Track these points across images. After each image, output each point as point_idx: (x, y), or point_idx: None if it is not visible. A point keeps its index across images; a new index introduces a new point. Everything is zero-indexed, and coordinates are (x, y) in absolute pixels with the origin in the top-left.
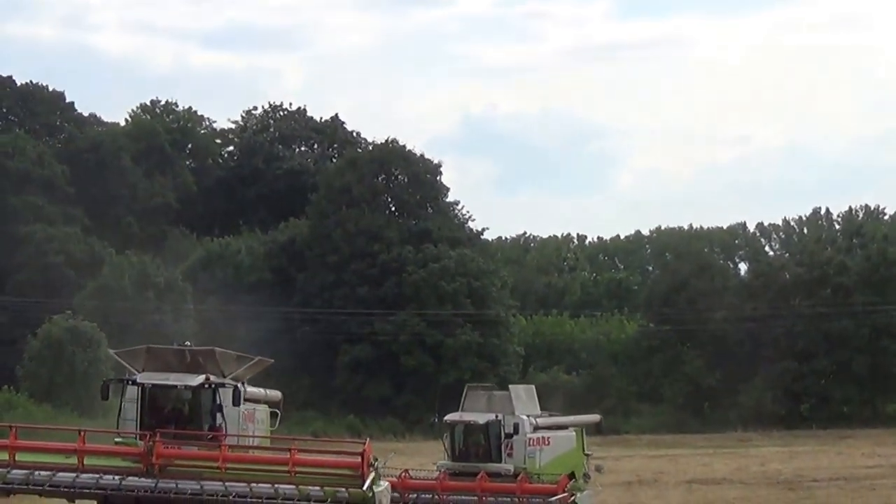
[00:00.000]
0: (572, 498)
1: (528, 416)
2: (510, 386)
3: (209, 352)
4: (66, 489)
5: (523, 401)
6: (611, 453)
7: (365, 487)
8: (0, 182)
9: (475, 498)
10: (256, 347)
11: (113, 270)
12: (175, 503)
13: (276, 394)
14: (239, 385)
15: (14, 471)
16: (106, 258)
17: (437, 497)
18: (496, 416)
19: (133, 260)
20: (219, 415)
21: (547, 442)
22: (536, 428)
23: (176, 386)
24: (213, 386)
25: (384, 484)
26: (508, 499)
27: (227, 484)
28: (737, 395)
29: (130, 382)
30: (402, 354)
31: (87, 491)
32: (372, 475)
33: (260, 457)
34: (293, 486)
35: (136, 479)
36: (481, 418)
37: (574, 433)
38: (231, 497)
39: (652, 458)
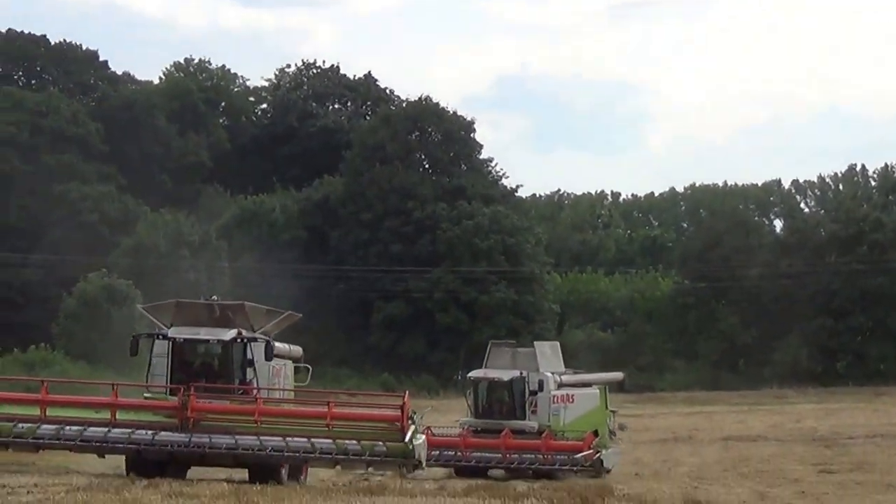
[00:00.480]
0: (597, 455)
1: (552, 373)
2: (535, 342)
3: (239, 306)
4: (97, 444)
5: (548, 357)
6: (646, 410)
7: (406, 440)
8: (34, 141)
9: (499, 455)
10: (291, 305)
11: (147, 228)
12: (209, 457)
13: (298, 349)
14: (271, 340)
15: (44, 426)
16: (140, 216)
17: (459, 454)
18: (521, 373)
19: (167, 218)
20: (249, 369)
21: (571, 399)
22: (561, 385)
23: (207, 340)
24: (244, 340)
25: (422, 437)
26: (533, 456)
27: (261, 438)
28: (772, 352)
29: (160, 337)
30: (436, 312)
31: (120, 446)
32: (412, 428)
33: (296, 410)
34: (330, 440)
35: (170, 433)
36: (506, 375)
37: (598, 391)
38: (266, 451)
39: (687, 415)
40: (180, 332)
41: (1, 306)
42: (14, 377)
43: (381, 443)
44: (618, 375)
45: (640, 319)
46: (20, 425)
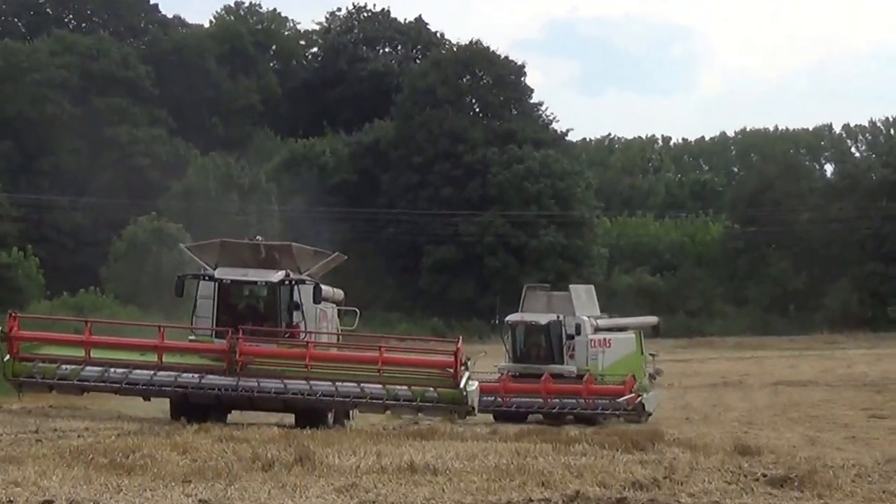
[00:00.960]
0: (639, 399)
1: (588, 316)
2: (570, 286)
3: (285, 247)
4: (142, 387)
5: (583, 301)
6: (695, 355)
7: (461, 386)
8: (85, 84)
9: (539, 400)
10: (340, 249)
11: (197, 172)
12: (256, 402)
13: (339, 292)
14: (319, 282)
15: (88, 368)
16: (190, 160)
17: (499, 399)
18: (558, 317)
19: (217, 161)
20: (296, 312)
21: (608, 343)
22: (597, 329)
23: (255, 282)
24: (292, 283)
25: (475, 384)
26: (573, 400)
27: (311, 383)
28: (822, 297)
29: (206, 278)
30: (486, 256)
31: (166, 389)
32: (466, 375)
33: (347, 355)
34: (380, 386)
35: (217, 377)
36: (543, 319)
37: (633, 335)
38: (316, 396)
39: (737, 360)
40: (227, 274)
41: (51, 250)
42: (61, 317)
43: (432, 389)
44: (652, 319)
45: (690, 264)
46: (64, 367)
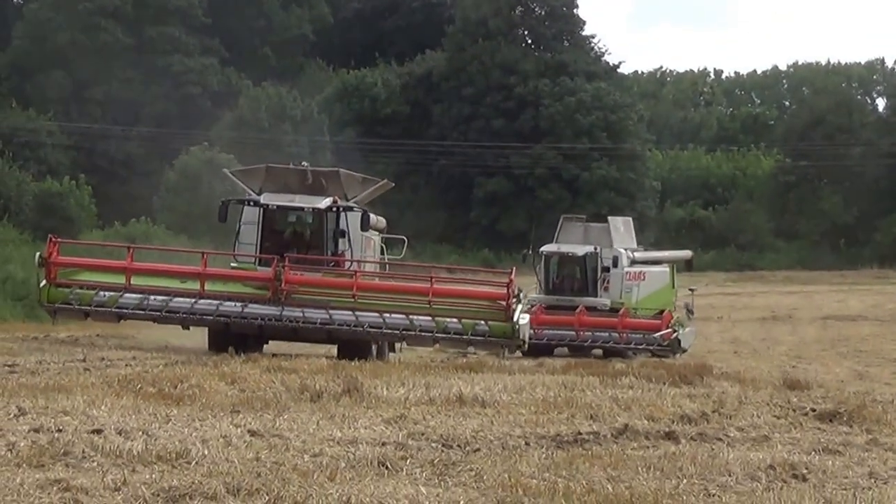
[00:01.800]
0: (675, 334)
1: (625, 249)
2: (609, 217)
3: (333, 173)
4: (183, 315)
5: (621, 233)
6: (745, 289)
7: (514, 319)
8: (137, 13)
9: (571, 333)
10: (392, 180)
11: (249, 102)
12: (300, 332)
13: (382, 220)
14: (367, 210)
15: (127, 295)
16: (242, 90)
17: (531, 331)
18: (594, 248)
19: (269, 91)
20: (342, 240)
21: (643, 277)
22: (633, 262)
23: (302, 208)
24: (339, 209)
25: (527, 317)
26: (606, 334)
27: (358, 313)
28: (873, 231)
29: (251, 203)
30: (537, 188)
31: (207, 318)
32: (519, 308)
33: (396, 286)
34: (429, 318)
35: (260, 306)
36: (579, 250)
37: (667, 269)
38: (363, 327)
39: (786, 294)
40: (273, 199)
41: (103, 179)
42: (105, 243)
43: (483, 322)
44: (686, 253)
45: (742, 198)
46: (102, 294)
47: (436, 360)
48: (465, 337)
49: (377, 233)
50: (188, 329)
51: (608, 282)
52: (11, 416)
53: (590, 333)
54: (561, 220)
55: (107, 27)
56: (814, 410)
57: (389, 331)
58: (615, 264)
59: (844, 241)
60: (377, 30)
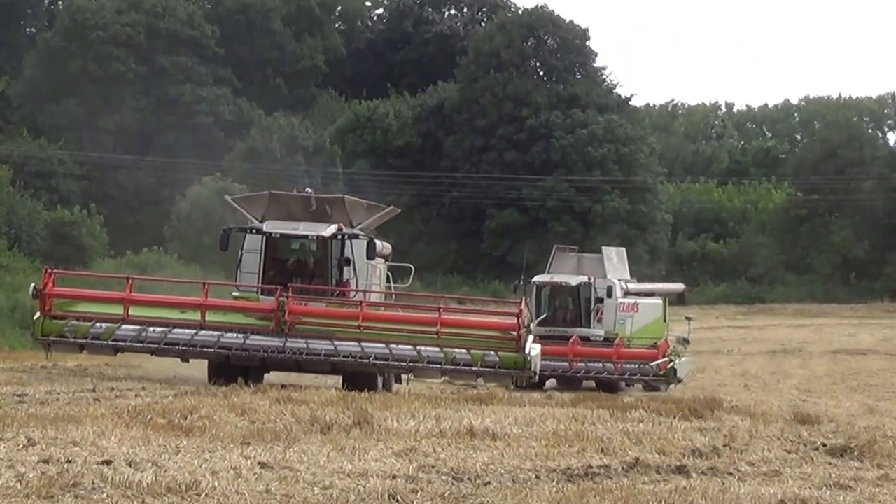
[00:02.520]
0: (671, 364)
1: (619, 279)
2: (603, 248)
3: (338, 199)
4: (183, 347)
5: (615, 264)
6: (755, 322)
7: (526, 351)
8: (150, 43)
9: (564, 364)
10: (404, 211)
11: (262, 132)
12: (304, 364)
13: (388, 247)
14: (373, 237)
15: (124, 326)
16: (255, 120)
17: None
18: (588, 279)
19: (282, 122)
20: (347, 269)
21: (636, 308)
22: (627, 293)
23: (306, 236)
24: (345, 237)
25: (537, 347)
26: (600, 364)
27: (364, 344)
28: (885, 265)
29: (253, 231)
30: (549, 220)
31: (208, 350)
32: (530, 338)
33: (404, 316)
34: (437, 349)
35: (263, 337)
36: (573, 280)
37: (660, 302)
38: (370, 358)
39: (797, 327)
40: (276, 227)
41: (114, 208)
42: (103, 274)
43: (492, 352)
44: (678, 287)
45: (753, 231)
46: (98, 325)
47: (445, 391)
48: (474, 368)
49: (383, 260)
50: (188, 362)
51: (602, 313)
52: (21, 446)
53: (583, 364)
54: (553, 250)
55: (119, 56)
56: (824, 445)
57: (396, 362)
58: (609, 295)
59: (855, 274)
60: (389, 61)
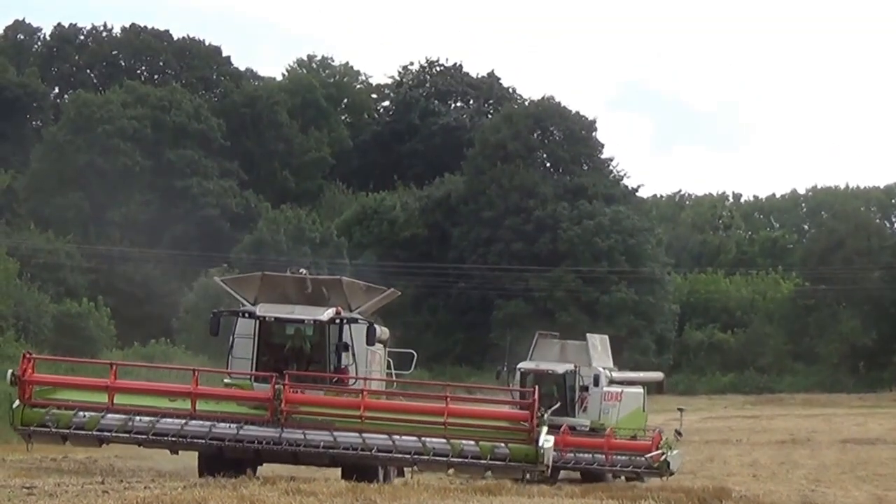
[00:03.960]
0: (663, 456)
1: (604, 367)
2: (587, 335)
3: (335, 281)
4: (172, 438)
5: (599, 352)
6: (764, 412)
7: (540, 443)
8: (157, 135)
9: (554, 453)
10: (412, 303)
11: (268, 224)
12: (301, 456)
13: (386, 331)
14: (373, 322)
15: (109, 415)
16: (261, 212)
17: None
18: (574, 367)
19: (288, 214)
20: (345, 355)
21: (619, 397)
22: (612, 382)
23: (302, 321)
24: (343, 321)
25: (551, 439)
26: (589, 455)
27: (365, 436)
28: (893, 354)
29: (245, 315)
30: (557, 311)
31: (198, 441)
32: (543, 430)
33: (408, 405)
34: (444, 440)
35: (257, 427)
36: (559, 368)
37: (641, 391)
38: (371, 451)
39: (805, 417)
40: (269, 310)
41: (121, 300)
42: (83, 360)
43: (503, 444)
44: (658, 375)
45: (761, 321)
46: (82, 414)
47: (454, 481)
48: (482, 461)
49: (381, 345)
50: (177, 454)
51: (587, 401)
52: None
53: (572, 455)
54: (536, 336)
55: (125, 150)
56: None
57: (400, 455)
58: (595, 383)
59: (864, 364)
60: (396, 153)
